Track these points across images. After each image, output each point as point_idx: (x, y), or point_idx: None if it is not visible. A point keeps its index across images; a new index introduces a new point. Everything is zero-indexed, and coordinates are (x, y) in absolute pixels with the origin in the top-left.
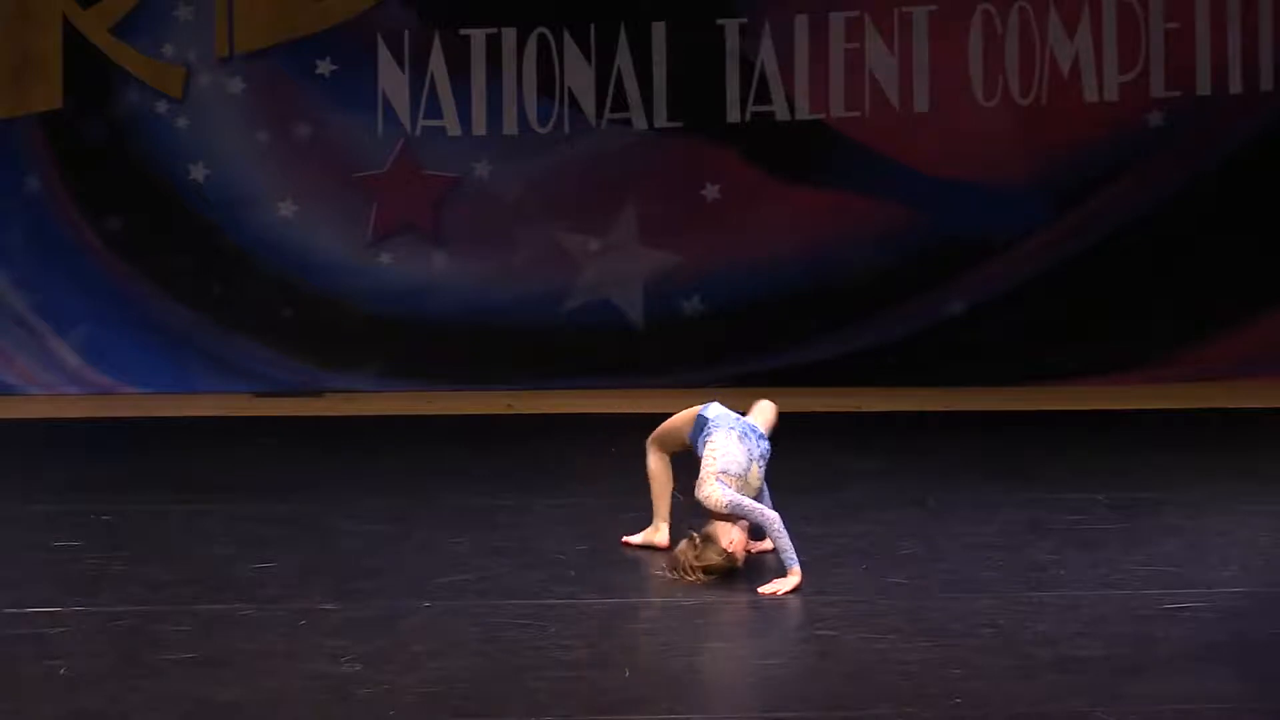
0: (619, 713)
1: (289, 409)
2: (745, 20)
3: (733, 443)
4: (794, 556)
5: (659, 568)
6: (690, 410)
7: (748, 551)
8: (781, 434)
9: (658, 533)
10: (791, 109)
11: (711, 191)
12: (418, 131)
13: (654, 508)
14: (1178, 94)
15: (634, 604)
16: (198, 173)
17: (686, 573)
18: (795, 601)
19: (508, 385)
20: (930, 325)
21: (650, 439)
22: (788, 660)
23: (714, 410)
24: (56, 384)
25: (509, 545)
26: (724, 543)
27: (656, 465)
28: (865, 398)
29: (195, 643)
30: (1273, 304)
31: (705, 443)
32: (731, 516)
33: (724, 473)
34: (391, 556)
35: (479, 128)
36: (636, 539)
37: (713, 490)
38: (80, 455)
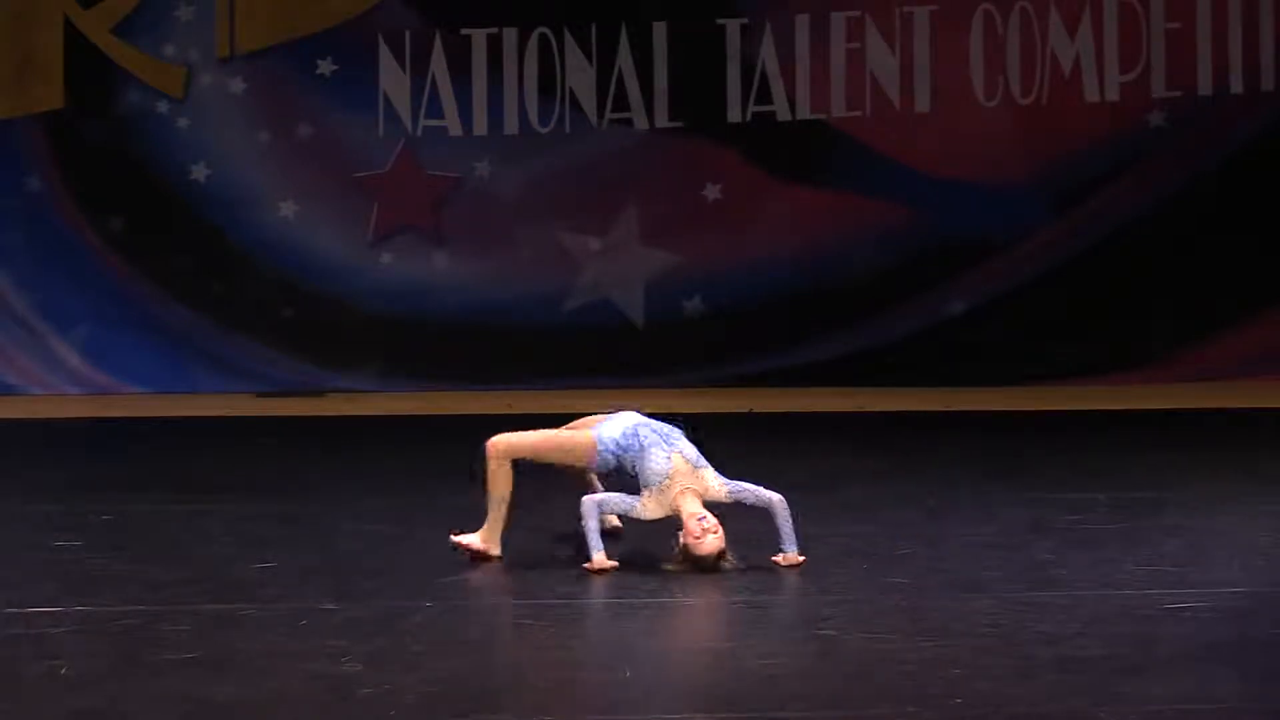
0: (619, 713)
1: (289, 409)
2: (746, 20)
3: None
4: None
5: (659, 567)
6: (585, 438)
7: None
8: (782, 434)
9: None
10: (792, 109)
11: (712, 191)
12: (419, 131)
13: (496, 517)
14: (1179, 94)
15: (633, 604)
16: (199, 173)
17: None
18: (795, 601)
19: (508, 385)
20: (930, 325)
21: (510, 448)
22: (788, 660)
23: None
24: (57, 384)
25: (509, 545)
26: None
27: (507, 476)
28: (865, 398)
29: (195, 643)
30: (1273, 304)
31: (660, 451)
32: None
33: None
34: (391, 556)
35: (480, 128)
36: (469, 540)
37: (713, 481)
38: (80, 455)
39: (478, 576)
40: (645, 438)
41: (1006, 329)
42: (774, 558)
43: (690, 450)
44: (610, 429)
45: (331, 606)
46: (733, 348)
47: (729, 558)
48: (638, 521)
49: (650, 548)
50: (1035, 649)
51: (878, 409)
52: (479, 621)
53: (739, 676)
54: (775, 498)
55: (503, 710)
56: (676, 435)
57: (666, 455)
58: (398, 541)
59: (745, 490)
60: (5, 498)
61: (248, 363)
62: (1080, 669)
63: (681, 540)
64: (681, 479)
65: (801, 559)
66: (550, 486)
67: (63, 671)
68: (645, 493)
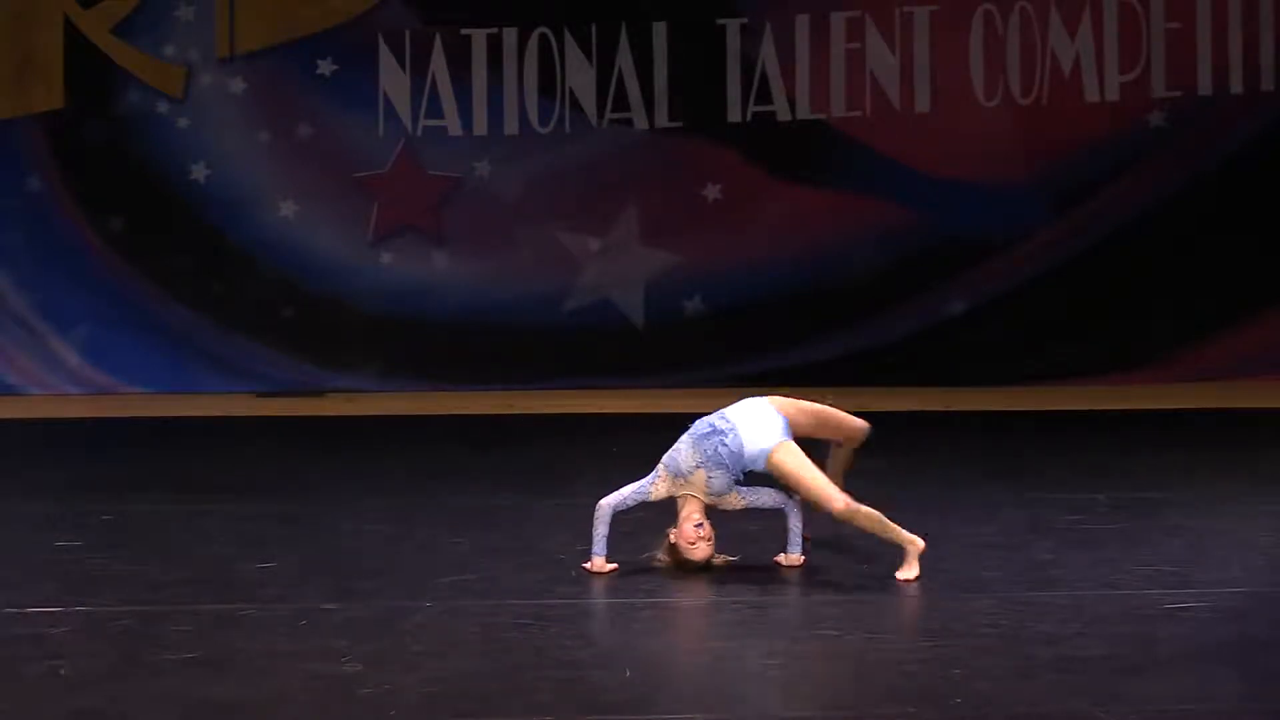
0: (619, 713)
1: (289, 409)
2: (746, 20)
3: (685, 444)
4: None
5: (657, 566)
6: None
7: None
8: None
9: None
10: (792, 109)
11: (712, 191)
12: (419, 131)
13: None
14: (1178, 94)
15: (634, 604)
16: (199, 173)
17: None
18: (795, 601)
19: (508, 385)
20: (930, 325)
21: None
22: (788, 660)
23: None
24: (57, 384)
25: (509, 545)
26: (699, 555)
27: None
28: (865, 398)
29: (195, 643)
30: (1272, 304)
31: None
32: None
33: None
34: (391, 556)
35: (480, 128)
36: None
37: (733, 501)
38: (80, 455)
39: (478, 576)
40: (696, 439)
41: (1006, 329)
42: (776, 558)
43: (721, 482)
44: (736, 408)
45: (331, 606)
46: (733, 348)
47: (718, 559)
48: (644, 504)
49: (651, 549)
50: (1035, 649)
51: (878, 409)
52: (479, 621)
53: (739, 676)
54: (792, 499)
55: (503, 710)
56: (718, 461)
57: (693, 467)
58: (398, 541)
59: (762, 495)
60: (5, 498)
61: (248, 363)
62: (1080, 669)
63: (672, 538)
64: (695, 490)
65: (802, 559)
66: (561, 487)
67: (63, 671)
68: (663, 474)
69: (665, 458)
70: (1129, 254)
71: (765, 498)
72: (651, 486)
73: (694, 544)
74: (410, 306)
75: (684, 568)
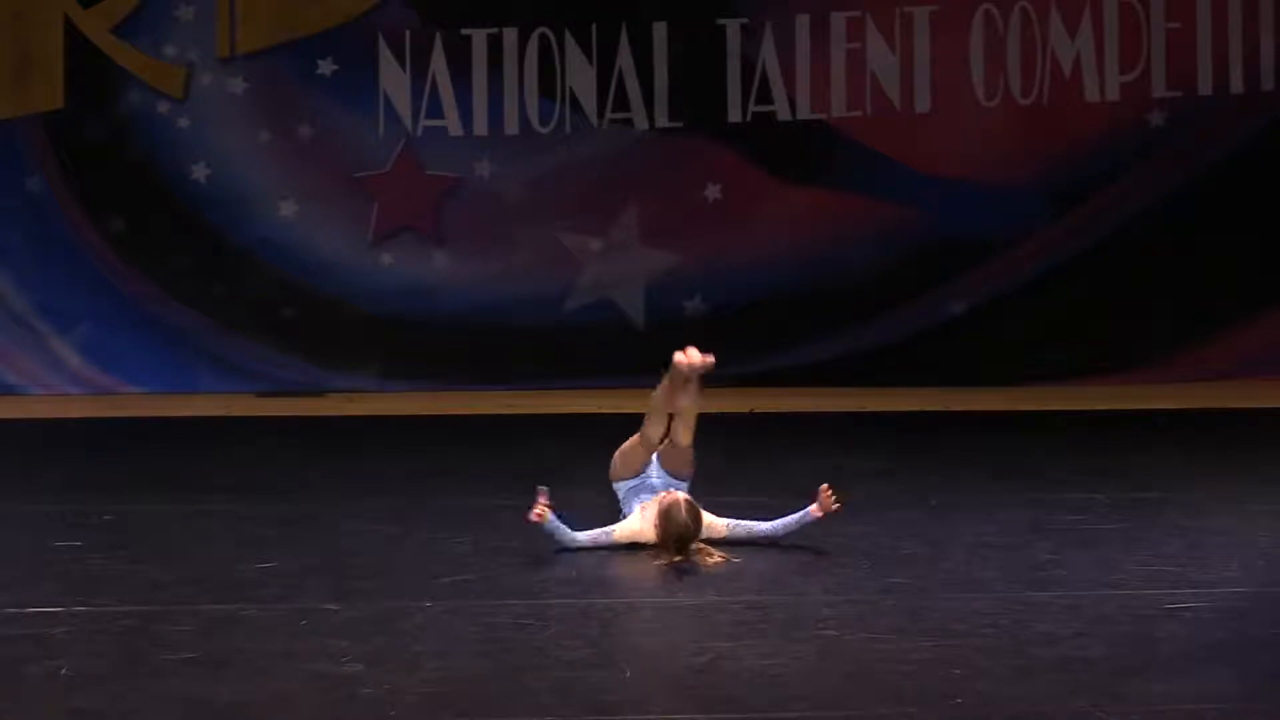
0: (619, 713)
1: (289, 409)
2: (746, 20)
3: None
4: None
5: (659, 566)
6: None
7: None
8: (783, 434)
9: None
10: (792, 109)
11: (712, 191)
12: (419, 131)
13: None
14: (1179, 94)
15: (634, 604)
16: (199, 173)
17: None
18: (795, 601)
19: (508, 385)
20: (930, 325)
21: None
22: (788, 660)
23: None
24: (58, 384)
25: (509, 545)
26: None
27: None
28: (865, 398)
29: (195, 643)
30: (1273, 304)
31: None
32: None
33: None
34: (391, 556)
35: (480, 128)
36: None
37: (714, 519)
38: (80, 455)
39: (478, 576)
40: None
41: (1006, 329)
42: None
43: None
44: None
45: (331, 606)
46: (733, 348)
47: (718, 558)
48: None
49: (647, 549)
50: (1035, 649)
51: (878, 409)
52: (479, 621)
53: (739, 676)
54: (778, 523)
55: (503, 710)
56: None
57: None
58: (398, 541)
59: (741, 525)
60: (5, 498)
61: (248, 363)
62: (1080, 669)
63: (655, 522)
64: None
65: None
66: (561, 487)
67: (63, 671)
68: (638, 511)
69: (629, 512)
70: (1129, 254)
71: (741, 528)
72: (615, 533)
73: (672, 499)
74: (410, 306)
75: (673, 534)
